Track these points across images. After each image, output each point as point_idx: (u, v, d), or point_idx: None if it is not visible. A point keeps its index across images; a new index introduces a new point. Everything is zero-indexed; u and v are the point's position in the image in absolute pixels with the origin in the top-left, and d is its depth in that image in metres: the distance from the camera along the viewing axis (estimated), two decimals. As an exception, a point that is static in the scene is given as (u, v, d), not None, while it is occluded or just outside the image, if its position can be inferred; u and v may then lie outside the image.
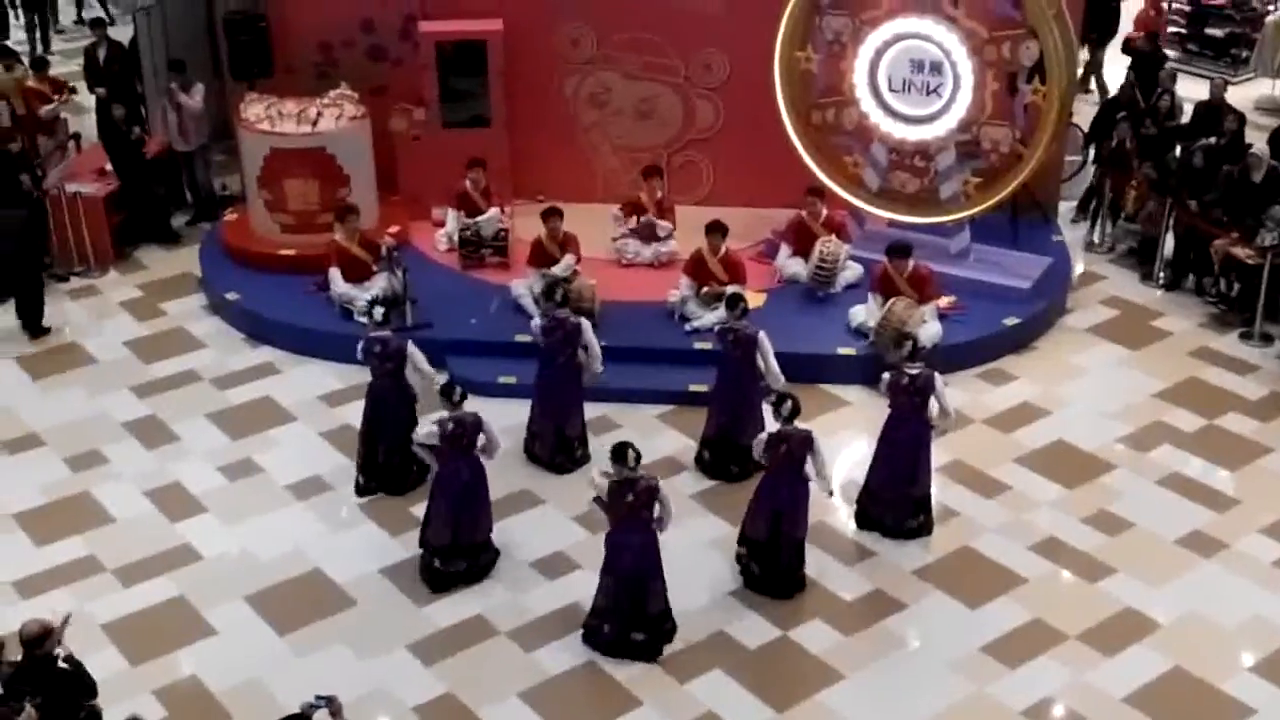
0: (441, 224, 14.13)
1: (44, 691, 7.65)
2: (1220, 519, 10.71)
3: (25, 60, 16.37)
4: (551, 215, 12.90)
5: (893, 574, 10.13)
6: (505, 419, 10.76)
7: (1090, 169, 15.45)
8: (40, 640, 7.76)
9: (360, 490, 10.95)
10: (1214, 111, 14.96)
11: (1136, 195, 14.22)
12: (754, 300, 11.79)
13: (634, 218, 13.74)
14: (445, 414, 9.84)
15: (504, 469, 10.63)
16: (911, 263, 12.37)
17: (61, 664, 7.88)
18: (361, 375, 11.13)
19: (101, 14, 19.63)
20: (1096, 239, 14.85)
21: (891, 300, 12.15)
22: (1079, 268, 14.30)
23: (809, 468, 9.68)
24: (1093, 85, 17.91)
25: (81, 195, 14.13)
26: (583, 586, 9.65)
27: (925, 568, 10.19)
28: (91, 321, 13.49)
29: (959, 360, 12.31)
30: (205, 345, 13.05)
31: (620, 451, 8.97)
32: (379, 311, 10.93)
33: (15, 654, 7.92)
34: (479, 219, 13.59)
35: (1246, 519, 10.71)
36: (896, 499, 10.40)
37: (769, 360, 10.85)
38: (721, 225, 12.61)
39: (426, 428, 9.94)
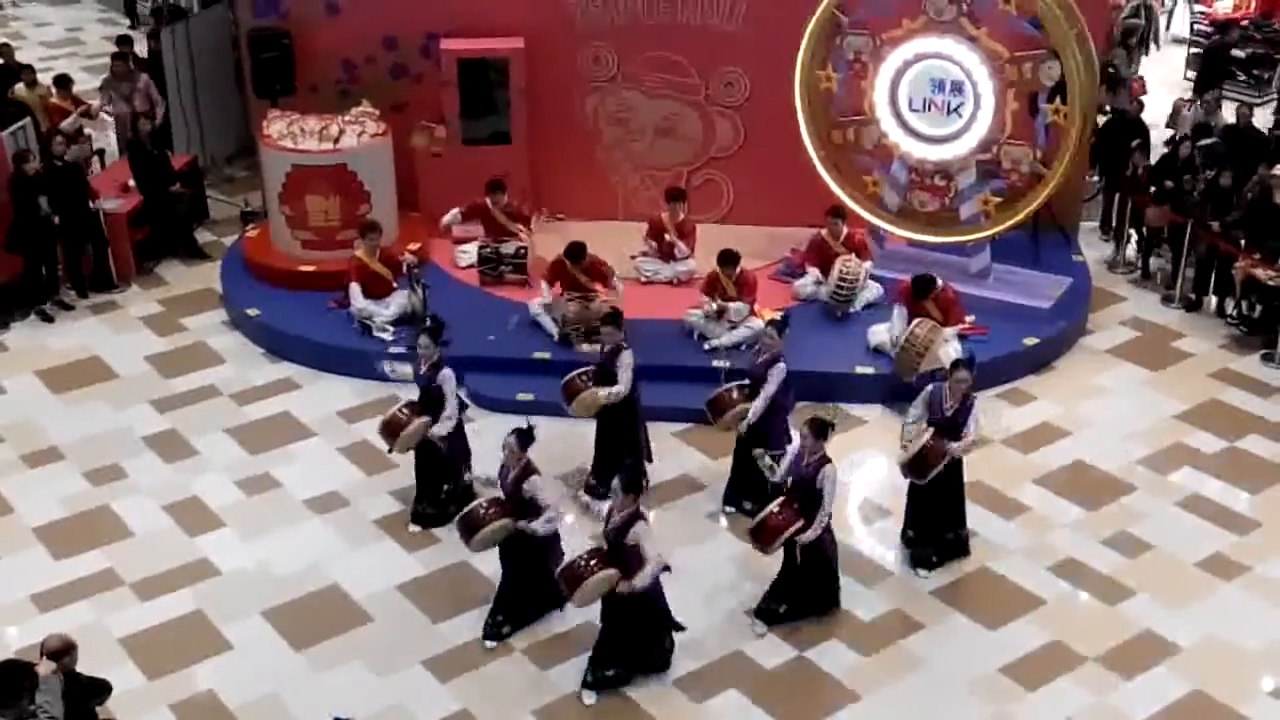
0: (457, 241, 14.14)
1: (66, 706, 7.68)
2: (1241, 541, 10.64)
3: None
4: (579, 255, 12.70)
5: (911, 595, 10.08)
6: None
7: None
8: (60, 655, 7.78)
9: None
10: (1239, 135, 14.92)
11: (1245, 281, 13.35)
12: (764, 317, 11.78)
13: (655, 240, 13.73)
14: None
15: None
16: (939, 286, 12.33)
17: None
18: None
19: (127, 31, 19.76)
20: (1117, 260, 14.82)
21: (915, 322, 12.11)
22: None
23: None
24: None
25: (105, 211, 14.20)
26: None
27: (944, 588, 10.15)
28: (113, 336, 13.56)
29: (979, 380, 12.25)
30: (225, 360, 13.10)
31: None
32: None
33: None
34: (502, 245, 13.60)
35: (1267, 542, 10.64)
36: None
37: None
38: (733, 256, 12.57)
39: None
